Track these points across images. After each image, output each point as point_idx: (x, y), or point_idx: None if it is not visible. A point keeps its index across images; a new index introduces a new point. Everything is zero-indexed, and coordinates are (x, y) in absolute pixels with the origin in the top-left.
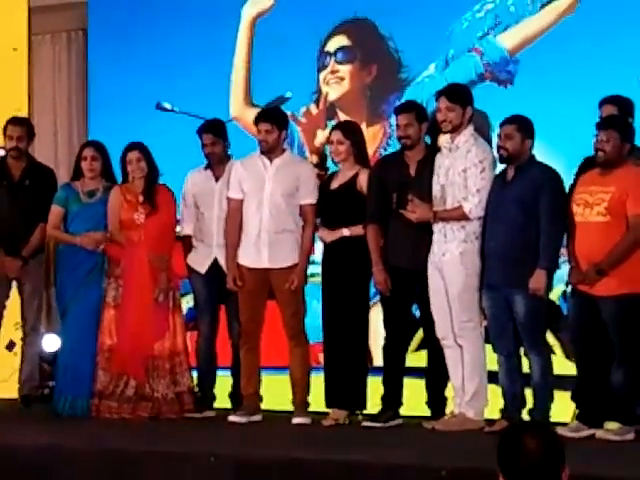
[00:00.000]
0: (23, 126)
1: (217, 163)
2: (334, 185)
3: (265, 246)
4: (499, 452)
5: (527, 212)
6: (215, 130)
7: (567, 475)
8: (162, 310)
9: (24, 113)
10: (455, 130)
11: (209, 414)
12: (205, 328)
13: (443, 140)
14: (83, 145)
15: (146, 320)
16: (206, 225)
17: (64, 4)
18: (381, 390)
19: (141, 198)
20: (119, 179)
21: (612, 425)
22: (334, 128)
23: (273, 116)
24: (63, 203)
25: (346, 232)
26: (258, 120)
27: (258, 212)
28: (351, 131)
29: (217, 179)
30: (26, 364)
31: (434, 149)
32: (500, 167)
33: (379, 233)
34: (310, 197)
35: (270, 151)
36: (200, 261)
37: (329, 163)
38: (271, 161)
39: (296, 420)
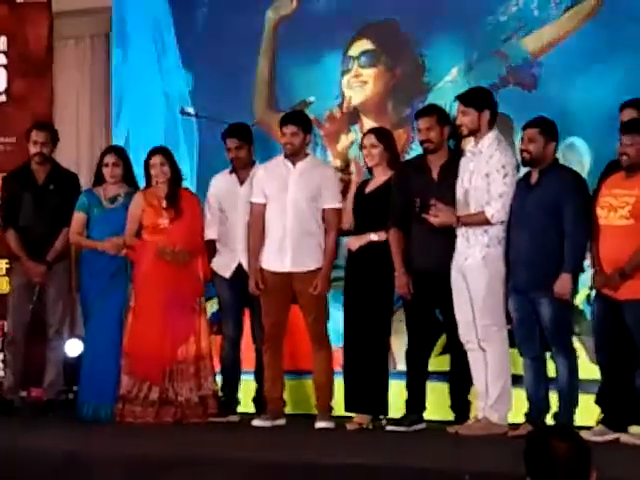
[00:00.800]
0: (47, 131)
1: (242, 167)
2: (367, 190)
3: (288, 250)
4: (526, 456)
5: (551, 216)
6: (240, 134)
7: (595, 479)
8: (187, 314)
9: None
10: (472, 134)
11: (233, 418)
12: (229, 332)
13: (468, 144)
14: (104, 151)
15: (167, 324)
16: (231, 229)
17: (87, 9)
18: (404, 394)
19: (165, 203)
20: (141, 183)
21: (636, 429)
22: (367, 132)
23: (299, 119)
24: (85, 209)
25: (374, 237)
26: (284, 122)
27: (281, 216)
28: (384, 136)
29: (242, 183)
30: (50, 368)
31: (457, 153)
32: (523, 170)
33: (402, 237)
34: (333, 201)
35: (295, 154)
36: (224, 265)
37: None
38: (294, 165)
39: (319, 424)
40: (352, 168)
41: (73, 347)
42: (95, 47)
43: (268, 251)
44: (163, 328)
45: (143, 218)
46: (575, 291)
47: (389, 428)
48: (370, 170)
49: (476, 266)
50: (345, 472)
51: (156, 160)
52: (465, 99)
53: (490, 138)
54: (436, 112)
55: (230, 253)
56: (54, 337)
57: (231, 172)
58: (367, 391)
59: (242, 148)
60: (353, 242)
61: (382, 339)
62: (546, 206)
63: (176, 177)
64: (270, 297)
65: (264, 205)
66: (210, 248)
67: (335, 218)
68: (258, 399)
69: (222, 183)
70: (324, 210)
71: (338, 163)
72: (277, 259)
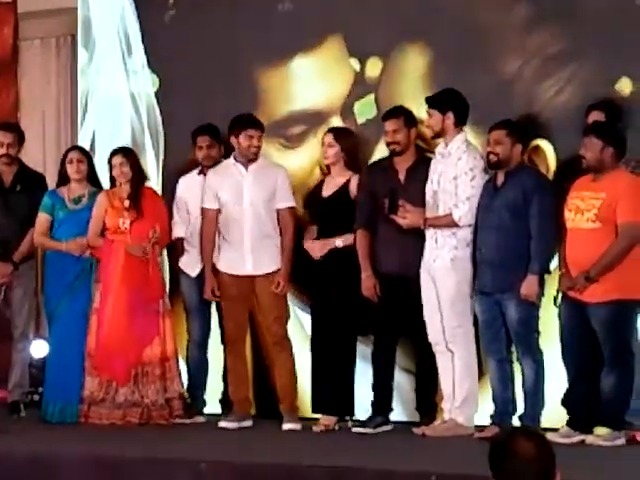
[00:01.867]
0: (13, 132)
1: (211, 167)
2: (326, 192)
3: (248, 253)
4: (491, 457)
5: (518, 217)
6: (212, 132)
7: None
8: (151, 315)
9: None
10: (438, 136)
11: (199, 419)
12: (195, 333)
13: (438, 146)
14: (68, 149)
15: (132, 325)
16: (198, 230)
17: (53, 10)
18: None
19: (127, 203)
20: (106, 184)
21: (602, 431)
22: (327, 131)
23: (261, 124)
24: (49, 210)
25: (339, 243)
26: (247, 127)
27: (239, 220)
28: (342, 136)
29: None
30: (16, 370)
31: (425, 154)
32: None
33: (369, 239)
34: (287, 201)
35: (253, 158)
36: (191, 265)
37: None
38: (246, 168)
39: (287, 426)
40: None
41: (39, 348)
42: (61, 48)
43: (227, 255)
44: (128, 329)
45: (106, 219)
46: (541, 293)
47: (355, 430)
48: (328, 168)
49: (444, 268)
50: (310, 474)
51: (117, 160)
52: (430, 101)
53: (459, 141)
54: (403, 114)
55: (197, 253)
56: (19, 338)
57: (199, 173)
58: (334, 392)
59: (213, 147)
60: (315, 248)
61: (349, 340)
62: (512, 207)
63: (138, 177)
64: (230, 300)
65: (217, 210)
66: (177, 246)
67: (290, 217)
68: (225, 400)
69: (190, 184)
70: (278, 211)
71: None
72: (237, 263)
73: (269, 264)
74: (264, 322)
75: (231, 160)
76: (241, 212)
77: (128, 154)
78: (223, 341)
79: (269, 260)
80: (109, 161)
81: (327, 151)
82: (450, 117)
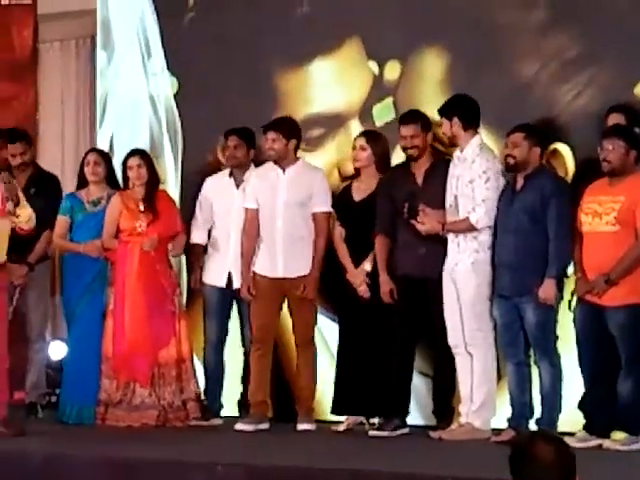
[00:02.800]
0: (22, 141)
1: (238, 168)
2: (357, 197)
3: (280, 255)
4: (511, 461)
5: (536, 221)
6: (240, 133)
7: None
8: (166, 317)
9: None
10: (453, 143)
11: (216, 422)
12: (212, 335)
13: (456, 151)
14: (86, 152)
15: (149, 326)
16: (223, 233)
17: (72, 12)
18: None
19: (142, 206)
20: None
21: (619, 435)
22: (359, 135)
23: (280, 125)
24: (68, 212)
25: (368, 267)
26: (265, 130)
27: (272, 221)
28: (374, 139)
29: (238, 186)
30: (33, 371)
31: (442, 156)
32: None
33: (388, 244)
34: (323, 205)
35: (279, 160)
36: (216, 274)
37: None
38: (284, 170)
39: (301, 426)
40: None
41: (57, 350)
42: (80, 50)
43: (260, 256)
44: (146, 330)
45: (120, 221)
46: (560, 296)
47: (372, 433)
48: (358, 171)
49: (465, 271)
50: (325, 477)
51: (133, 162)
52: (439, 110)
53: (473, 145)
54: (420, 119)
55: (221, 260)
56: (36, 339)
57: (230, 175)
58: (360, 393)
59: (240, 147)
60: (355, 278)
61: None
62: (530, 211)
63: (153, 180)
64: (261, 301)
65: (257, 210)
66: (195, 253)
67: (324, 222)
68: (243, 402)
69: (217, 185)
70: (314, 214)
71: None
72: (269, 264)
73: (300, 267)
74: (292, 324)
75: (271, 162)
76: (274, 214)
77: (144, 156)
78: (243, 343)
79: (301, 263)
80: (124, 163)
81: (358, 154)
82: (456, 122)
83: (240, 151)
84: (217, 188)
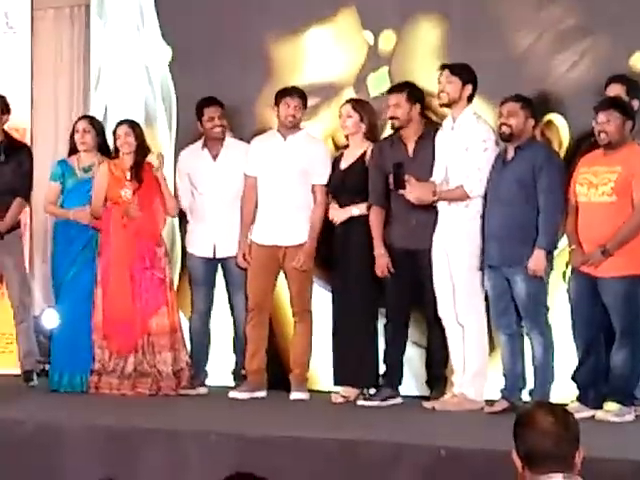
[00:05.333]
0: None
1: (215, 140)
2: (344, 164)
3: (277, 223)
4: (516, 429)
5: (526, 192)
6: (221, 103)
7: (581, 457)
8: (155, 285)
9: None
10: (450, 105)
11: (202, 391)
12: (199, 304)
13: (446, 119)
14: (77, 119)
15: (136, 295)
16: (204, 206)
17: None
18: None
19: (128, 174)
20: None
21: (612, 406)
22: (345, 102)
23: (302, 93)
24: (59, 179)
25: (355, 211)
26: (289, 94)
27: (270, 189)
28: (361, 106)
29: (214, 158)
30: (21, 340)
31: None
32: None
33: (382, 216)
34: (322, 178)
35: (292, 128)
36: (198, 244)
37: None
38: (285, 138)
39: (294, 395)
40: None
41: (50, 318)
42: (74, 17)
43: (258, 224)
44: (132, 299)
45: (107, 189)
46: (550, 268)
47: (361, 403)
48: (347, 140)
49: (458, 240)
50: (318, 445)
51: (122, 130)
52: (453, 68)
53: (468, 113)
54: (407, 89)
55: (205, 231)
56: (18, 308)
57: (203, 147)
58: (355, 364)
59: (223, 118)
60: (336, 215)
61: (368, 311)
62: (520, 181)
63: (142, 149)
64: (256, 270)
65: (256, 178)
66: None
67: (323, 195)
68: (236, 371)
69: (192, 157)
70: (313, 186)
71: None
72: (266, 232)
73: (297, 236)
74: (288, 293)
75: (274, 130)
76: (272, 182)
77: (134, 125)
78: (232, 312)
79: (297, 232)
80: (114, 132)
81: (346, 121)
82: (468, 89)
83: (224, 120)
84: (193, 161)
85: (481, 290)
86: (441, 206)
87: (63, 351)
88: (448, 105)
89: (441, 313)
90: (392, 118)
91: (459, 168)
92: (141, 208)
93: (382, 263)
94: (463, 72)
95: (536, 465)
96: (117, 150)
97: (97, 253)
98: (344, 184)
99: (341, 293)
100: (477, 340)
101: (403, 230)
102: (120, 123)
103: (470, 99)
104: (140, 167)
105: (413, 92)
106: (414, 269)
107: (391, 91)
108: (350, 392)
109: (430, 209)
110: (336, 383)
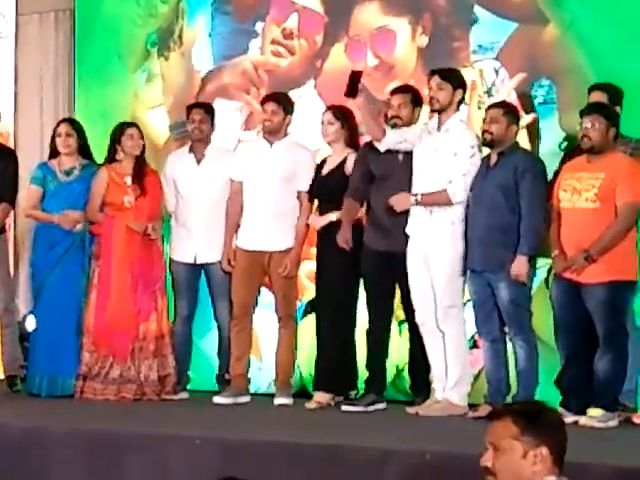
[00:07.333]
0: None
1: (200, 143)
2: (325, 170)
3: (263, 228)
4: (550, 428)
5: (509, 197)
6: (205, 106)
7: None
8: (149, 292)
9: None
10: (440, 111)
11: (183, 396)
12: (182, 309)
13: (430, 122)
14: (58, 122)
15: (131, 302)
16: (188, 210)
17: None
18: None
19: (129, 180)
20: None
21: (595, 412)
22: (326, 109)
23: (280, 98)
24: (40, 182)
25: (333, 217)
26: (265, 101)
27: (256, 195)
28: (342, 114)
29: (198, 162)
30: (5, 345)
31: None
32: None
33: (355, 207)
34: (308, 184)
35: (272, 133)
36: (182, 250)
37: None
38: (271, 144)
39: (278, 401)
40: None
41: (32, 322)
42: (59, 22)
43: (243, 229)
44: (129, 306)
45: (107, 195)
46: (533, 273)
47: (345, 408)
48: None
49: (440, 244)
50: (303, 451)
51: (134, 131)
52: (443, 74)
53: (457, 118)
54: (412, 91)
55: (186, 237)
56: (3, 313)
57: (190, 151)
58: (334, 369)
59: (205, 122)
60: (316, 221)
61: (346, 317)
62: (503, 187)
63: (143, 155)
64: (241, 275)
65: (241, 183)
66: None
67: (307, 201)
68: (220, 377)
69: (179, 162)
70: (299, 192)
71: None
72: (251, 237)
73: (281, 242)
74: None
75: (259, 135)
76: (258, 187)
77: (139, 129)
78: (216, 317)
79: (282, 238)
80: (120, 132)
81: (326, 129)
82: (459, 94)
83: (205, 125)
84: (179, 165)
85: (461, 295)
86: (420, 209)
87: (43, 354)
88: (439, 111)
89: (418, 319)
90: (395, 117)
91: (444, 172)
92: (143, 214)
93: (347, 235)
94: (454, 77)
95: (560, 463)
96: (114, 153)
97: (93, 257)
98: (325, 190)
99: (320, 298)
100: (458, 346)
101: (383, 233)
102: (128, 125)
103: (459, 104)
104: (142, 172)
105: (417, 96)
106: (394, 272)
107: (396, 91)
108: (323, 398)
109: (406, 212)
110: (314, 389)
